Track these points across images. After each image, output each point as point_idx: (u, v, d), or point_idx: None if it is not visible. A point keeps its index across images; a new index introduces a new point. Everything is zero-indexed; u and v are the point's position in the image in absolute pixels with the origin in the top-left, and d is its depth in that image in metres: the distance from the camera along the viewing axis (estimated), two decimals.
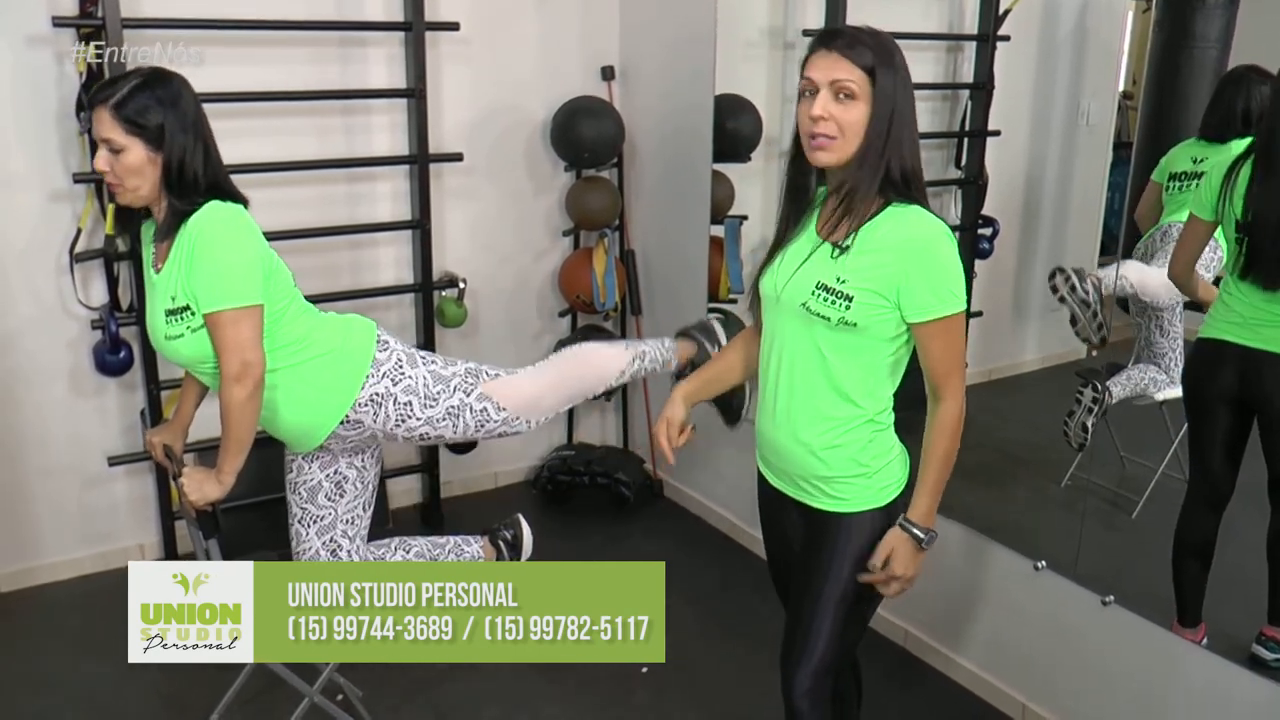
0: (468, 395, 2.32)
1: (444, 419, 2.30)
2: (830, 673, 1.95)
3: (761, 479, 2.06)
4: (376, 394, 2.23)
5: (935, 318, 1.76)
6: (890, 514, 1.91)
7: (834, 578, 1.90)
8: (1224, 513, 2.46)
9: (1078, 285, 2.77)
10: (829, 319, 1.79)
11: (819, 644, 1.91)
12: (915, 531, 1.87)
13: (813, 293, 1.80)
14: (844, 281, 1.77)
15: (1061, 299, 2.81)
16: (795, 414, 1.89)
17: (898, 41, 1.78)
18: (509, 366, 2.50)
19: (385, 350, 2.29)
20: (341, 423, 2.25)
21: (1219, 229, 2.38)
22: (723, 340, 2.66)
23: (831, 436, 1.86)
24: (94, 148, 2.07)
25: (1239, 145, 2.39)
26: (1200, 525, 2.48)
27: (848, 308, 1.77)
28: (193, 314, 2.08)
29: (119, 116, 2.01)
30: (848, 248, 1.78)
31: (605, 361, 2.57)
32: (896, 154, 1.75)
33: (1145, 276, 2.77)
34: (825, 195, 1.87)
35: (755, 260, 1.98)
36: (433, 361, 2.35)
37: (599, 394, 2.59)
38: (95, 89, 2.07)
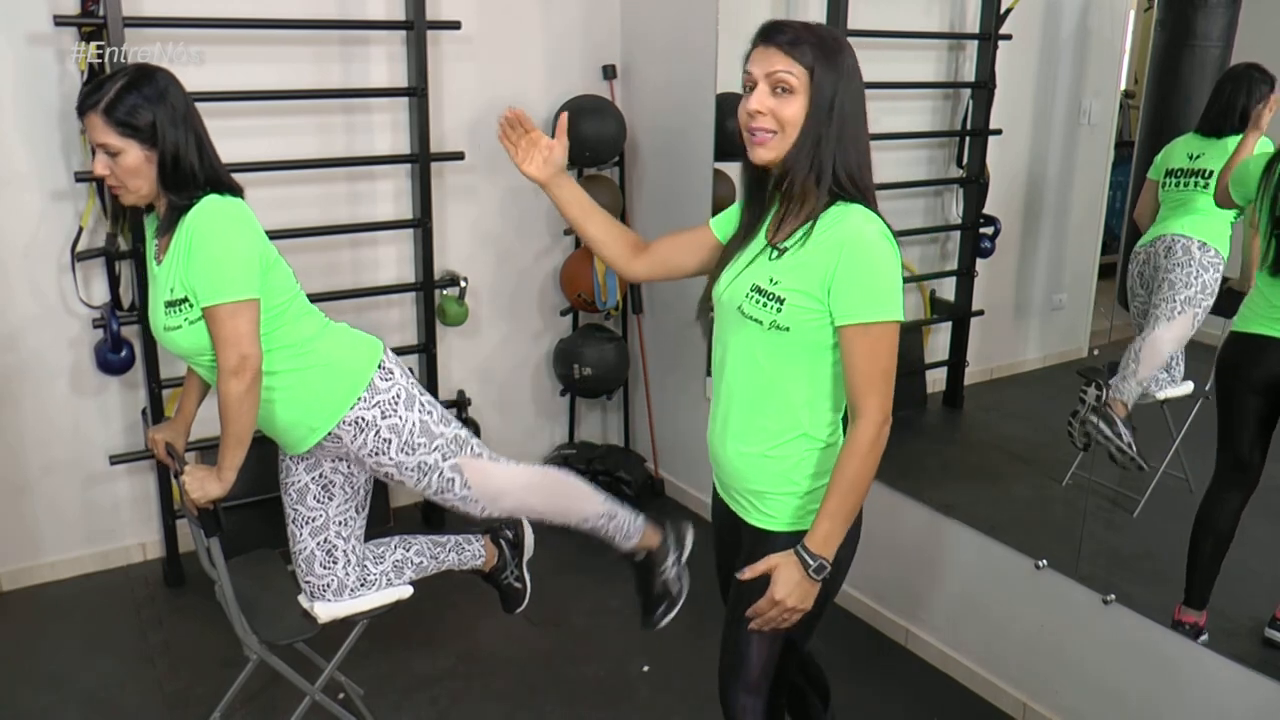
0: (444, 460, 2.29)
1: (413, 470, 2.28)
2: (763, 689, 1.92)
3: (714, 491, 2.01)
4: (362, 419, 2.22)
5: (859, 322, 1.65)
6: None
7: (756, 596, 1.80)
8: (1249, 498, 2.45)
9: (1106, 428, 2.76)
10: (761, 322, 1.72)
11: (749, 660, 1.89)
12: (805, 556, 1.72)
13: (747, 295, 1.74)
14: (776, 283, 1.70)
15: (1094, 443, 2.76)
16: (733, 425, 1.83)
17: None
18: (497, 451, 2.43)
19: (387, 380, 2.26)
20: (328, 434, 2.25)
21: (1259, 226, 2.36)
22: (687, 551, 2.58)
23: (764, 448, 1.79)
24: (95, 151, 2.07)
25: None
26: (1226, 506, 2.47)
27: (779, 310, 1.70)
28: (191, 306, 2.08)
29: (111, 120, 2.01)
30: (786, 249, 1.72)
31: (581, 499, 2.50)
32: (840, 153, 1.68)
33: (1151, 352, 2.72)
34: (778, 199, 1.84)
35: None
36: (429, 411, 2.30)
37: (550, 523, 2.51)
38: (82, 95, 2.06)
